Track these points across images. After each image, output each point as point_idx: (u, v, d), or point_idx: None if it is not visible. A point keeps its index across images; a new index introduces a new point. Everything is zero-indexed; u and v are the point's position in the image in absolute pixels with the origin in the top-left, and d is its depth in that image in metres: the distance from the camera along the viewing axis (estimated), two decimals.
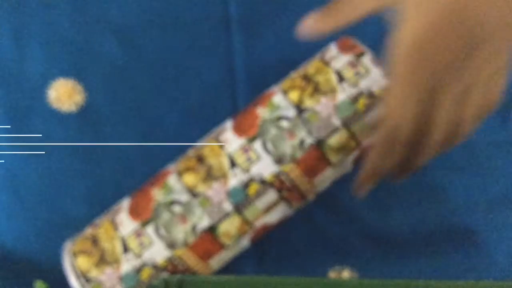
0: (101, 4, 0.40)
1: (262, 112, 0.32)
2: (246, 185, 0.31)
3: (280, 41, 0.40)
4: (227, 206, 0.32)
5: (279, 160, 0.31)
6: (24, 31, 0.40)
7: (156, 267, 0.32)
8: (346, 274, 0.37)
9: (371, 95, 0.31)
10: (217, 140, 0.33)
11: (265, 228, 0.33)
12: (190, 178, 0.32)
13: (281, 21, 0.40)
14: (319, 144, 0.31)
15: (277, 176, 0.31)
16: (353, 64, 0.32)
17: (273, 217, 0.33)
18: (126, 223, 0.33)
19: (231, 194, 0.32)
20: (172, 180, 0.33)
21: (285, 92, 0.32)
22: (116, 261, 0.32)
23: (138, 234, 0.32)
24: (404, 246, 0.38)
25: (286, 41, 0.37)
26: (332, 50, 0.33)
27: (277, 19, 0.40)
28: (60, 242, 0.34)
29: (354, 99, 0.31)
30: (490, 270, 0.38)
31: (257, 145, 0.31)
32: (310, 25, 0.29)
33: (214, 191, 0.32)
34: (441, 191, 0.39)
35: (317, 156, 0.32)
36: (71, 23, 0.40)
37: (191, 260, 0.32)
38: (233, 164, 0.32)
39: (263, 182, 0.31)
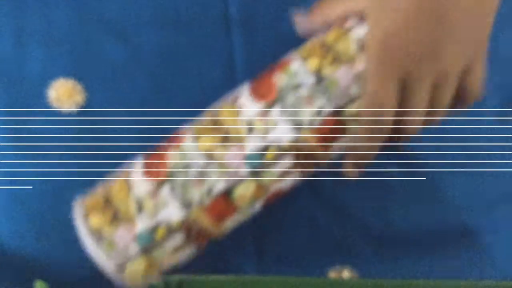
0: (101, 4, 0.40)
1: (280, 78, 0.32)
2: (263, 150, 0.32)
3: (280, 41, 0.40)
4: (244, 171, 0.32)
5: (296, 127, 0.31)
6: (24, 31, 0.40)
7: (170, 227, 0.32)
8: (346, 274, 0.37)
9: None
10: (234, 105, 0.33)
11: (278, 194, 0.34)
12: (206, 142, 0.32)
13: (282, 21, 0.40)
14: (338, 112, 0.31)
15: (294, 143, 0.32)
16: None
17: (287, 183, 0.33)
18: (140, 183, 0.32)
19: (248, 159, 0.32)
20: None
21: (303, 59, 0.32)
22: (130, 221, 0.32)
23: (153, 194, 0.32)
24: (404, 246, 0.38)
25: (287, 41, 0.37)
26: (352, 19, 0.32)
27: (277, 19, 0.40)
28: (60, 242, 0.34)
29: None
30: (490, 270, 0.38)
31: (275, 111, 0.31)
32: (299, 21, 0.34)
33: (231, 155, 0.32)
34: (441, 191, 0.39)
35: (335, 123, 0.32)
36: (71, 23, 0.40)
37: (205, 221, 0.32)
38: (250, 129, 0.32)
39: (280, 148, 0.32)
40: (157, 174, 0.32)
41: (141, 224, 0.32)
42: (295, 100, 0.31)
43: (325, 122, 0.31)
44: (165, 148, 0.34)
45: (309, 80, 0.31)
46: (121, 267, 0.32)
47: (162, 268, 0.34)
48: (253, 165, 0.32)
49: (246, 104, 0.32)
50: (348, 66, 0.31)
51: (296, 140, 0.31)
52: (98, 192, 0.34)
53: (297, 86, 0.31)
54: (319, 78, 0.31)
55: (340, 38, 0.32)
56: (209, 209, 0.32)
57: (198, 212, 0.32)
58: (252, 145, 0.32)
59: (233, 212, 0.33)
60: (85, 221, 0.32)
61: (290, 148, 0.32)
